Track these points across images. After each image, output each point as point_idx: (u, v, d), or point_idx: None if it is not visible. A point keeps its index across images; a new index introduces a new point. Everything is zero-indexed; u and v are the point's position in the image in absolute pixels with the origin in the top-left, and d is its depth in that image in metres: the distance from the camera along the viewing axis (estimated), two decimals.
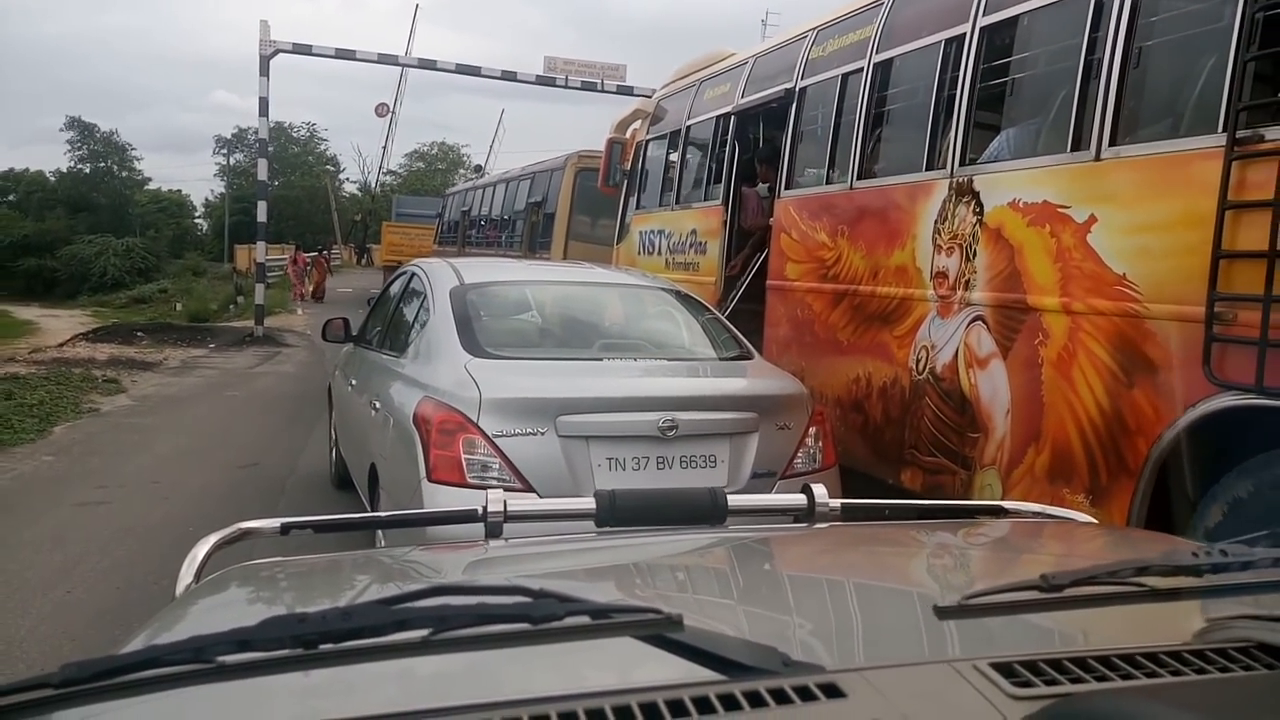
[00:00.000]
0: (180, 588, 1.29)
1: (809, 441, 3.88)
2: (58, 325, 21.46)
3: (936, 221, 4.53)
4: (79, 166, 51.37)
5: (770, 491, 3.60)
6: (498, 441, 3.40)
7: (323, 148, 61.49)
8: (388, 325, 4.97)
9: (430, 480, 3.41)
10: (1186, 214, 3.20)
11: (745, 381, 4.08)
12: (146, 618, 1.14)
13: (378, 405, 4.21)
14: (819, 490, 1.55)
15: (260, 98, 15.01)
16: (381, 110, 44.78)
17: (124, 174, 53.46)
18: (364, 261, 40.88)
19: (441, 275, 4.43)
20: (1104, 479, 3.54)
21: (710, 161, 7.40)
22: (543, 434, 3.44)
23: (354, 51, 15.53)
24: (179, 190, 59.00)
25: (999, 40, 4.35)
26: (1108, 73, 3.61)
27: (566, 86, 16.55)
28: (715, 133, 7.28)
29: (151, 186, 55.66)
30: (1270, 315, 2.87)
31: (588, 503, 1.46)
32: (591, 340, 4.26)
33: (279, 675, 0.75)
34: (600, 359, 3.99)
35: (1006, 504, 1.70)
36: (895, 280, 4.84)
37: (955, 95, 4.50)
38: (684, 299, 4.82)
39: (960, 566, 1.48)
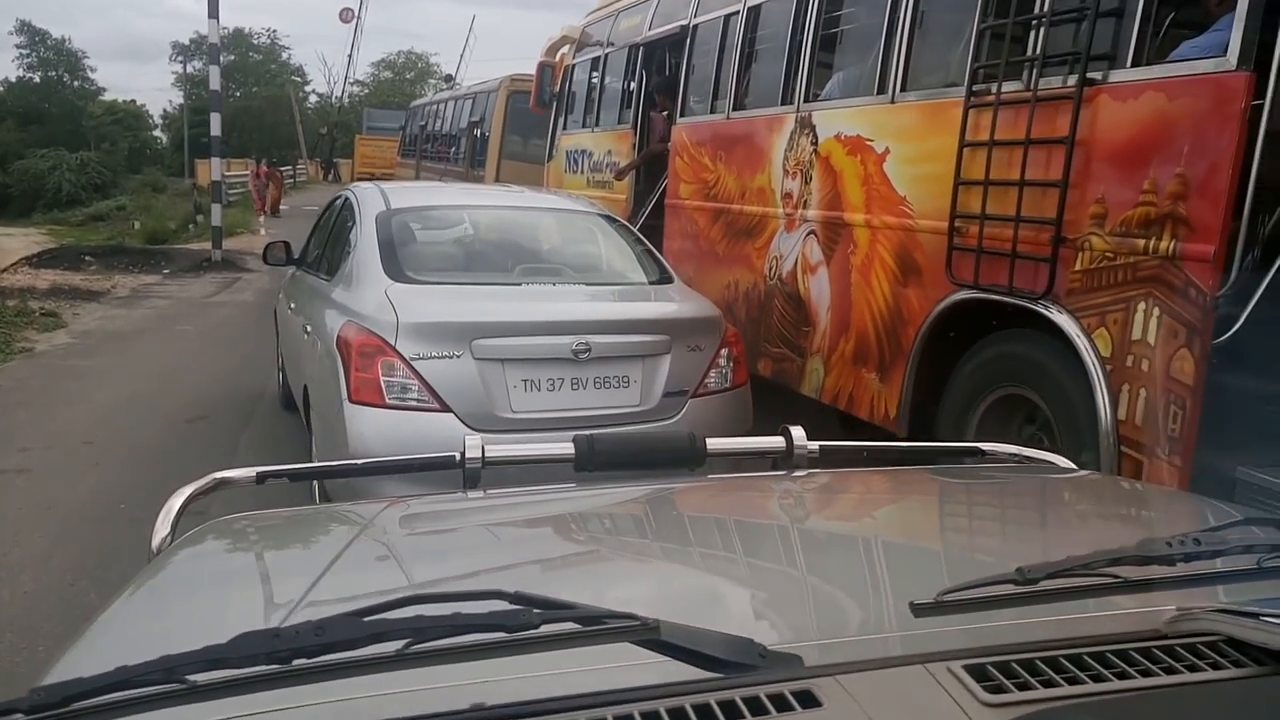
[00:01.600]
0: (155, 541, 1.28)
1: (721, 362, 4.07)
2: (10, 245, 19.52)
3: (785, 150, 5.37)
4: (29, 75, 50.15)
5: (681, 410, 3.90)
6: (415, 364, 3.54)
7: (286, 56, 60.06)
8: (323, 249, 5.12)
9: (351, 401, 3.55)
10: (943, 150, 4.06)
11: (658, 305, 4.26)
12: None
13: (309, 329, 4.40)
14: (797, 433, 1.56)
15: None
16: (346, 15, 43.47)
17: (77, 83, 52.21)
18: (330, 177, 40.44)
19: (370, 200, 4.57)
20: (888, 358, 4.48)
21: (624, 88, 8.13)
22: (459, 357, 3.58)
23: None
24: (135, 101, 57.60)
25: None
26: (902, 30, 4.44)
27: None
28: (627, 61, 8.00)
29: (107, 97, 54.23)
30: (985, 229, 3.78)
31: (566, 447, 1.47)
32: (513, 265, 4.41)
33: (253, 694, 0.75)
34: (520, 284, 4.17)
35: (984, 446, 1.73)
36: (756, 200, 5.69)
37: (803, 40, 5.30)
38: (610, 223, 5.00)
39: (939, 535, 1.45)
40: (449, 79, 28.46)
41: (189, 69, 53.96)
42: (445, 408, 3.56)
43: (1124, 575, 0.95)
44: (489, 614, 0.79)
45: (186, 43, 55.07)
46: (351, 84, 53.74)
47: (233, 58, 54.12)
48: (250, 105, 51.52)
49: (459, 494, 1.47)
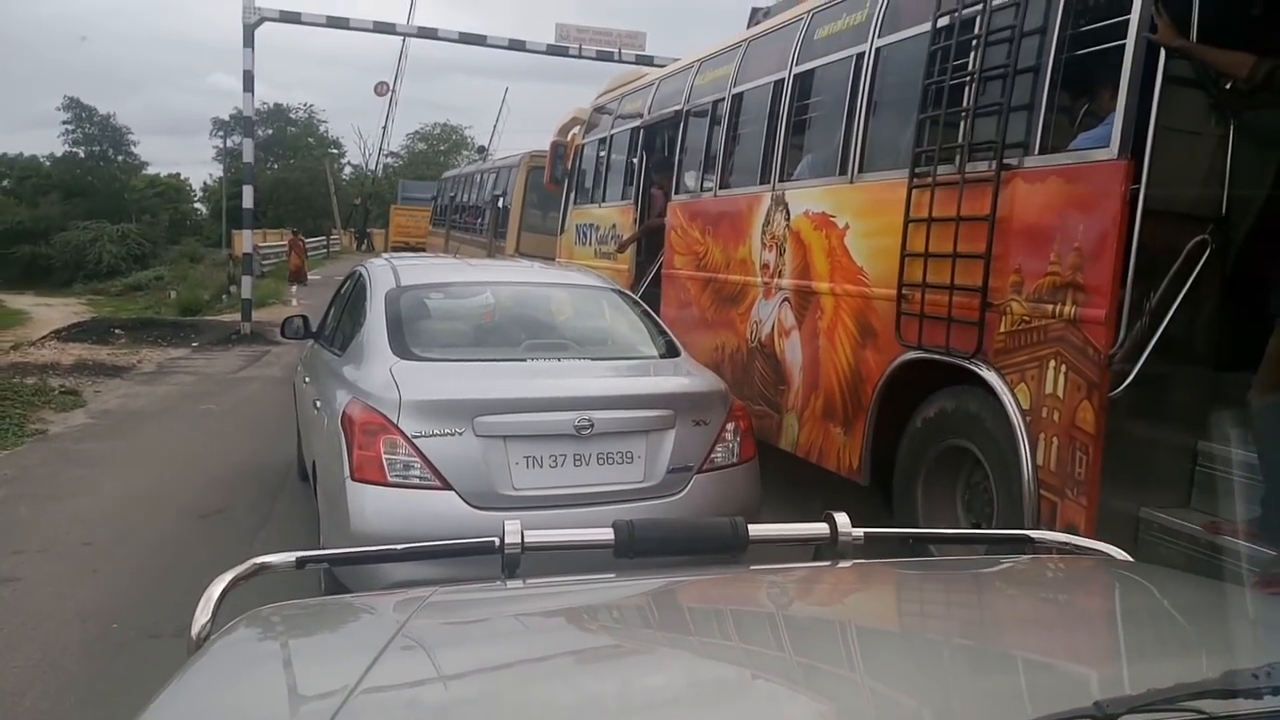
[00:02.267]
0: (195, 629, 1.28)
1: (727, 436, 4.03)
2: (50, 315, 19.85)
3: (763, 225, 5.86)
4: (74, 150, 52.08)
5: (686, 486, 3.88)
6: (417, 442, 3.53)
7: (323, 129, 61.60)
8: (336, 323, 5.15)
9: (353, 479, 3.54)
10: (892, 225, 4.51)
11: (662, 380, 4.25)
12: None
13: (318, 404, 4.39)
14: (841, 519, 1.53)
15: (245, 71, 13.89)
16: (381, 89, 44.59)
17: (120, 158, 54.18)
18: (364, 247, 41.20)
19: (381, 277, 4.65)
20: (850, 414, 4.89)
21: (626, 166, 8.72)
22: (461, 434, 3.57)
23: (348, 20, 14.51)
24: (178, 175, 59.58)
25: (804, 85, 5.67)
26: (860, 117, 4.94)
27: (580, 56, 15.04)
28: (630, 142, 8.59)
29: (150, 171, 56.31)
30: (925, 296, 4.21)
31: (606, 533, 1.47)
32: (519, 341, 4.45)
33: None
34: (525, 359, 4.21)
35: (1034, 534, 1.67)
36: (739, 270, 6.17)
37: (777, 125, 5.82)
38: (619, 297, 5.06)
39: (1000, 647, 1.33)
40: (482, 150, 29.09)
41: (228, 143, 55.87)
42: (447, 485, 3.55)
43: (1208, 711, 0.89)
44: None
45: (227, 118, 57.14)
46: (386, 156, 55.20)
47: (270, 132, 56.04)
48: (287, 178, 53.00)
49: (498, 582, 1.46)
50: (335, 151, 59.03)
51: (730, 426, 4.07)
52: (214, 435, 7.88)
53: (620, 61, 14.66)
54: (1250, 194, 3.40)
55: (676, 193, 7.37)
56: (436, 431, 3.58)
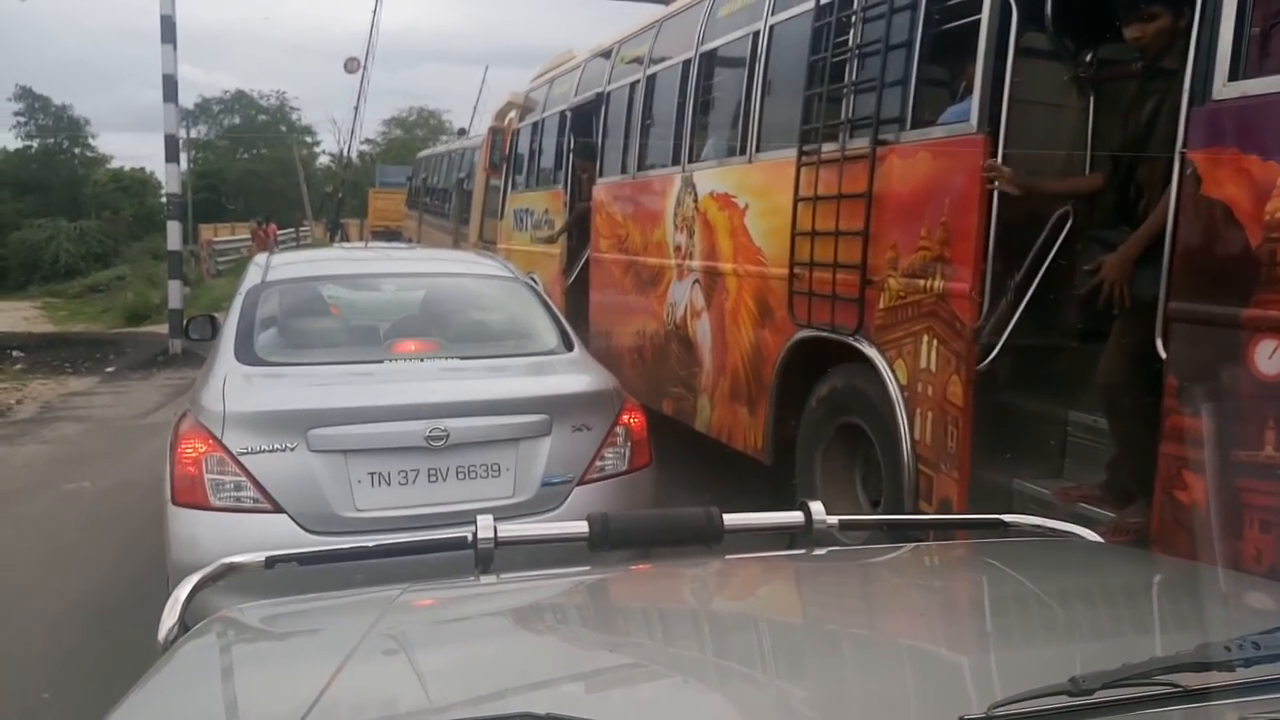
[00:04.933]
0: (162, 632, 1.24)
1: (616, 442, 3.66)
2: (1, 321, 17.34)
3: (675, 207, 5.85)
4: (27, 144, 50.57)
5: (565, 500, 3.53)
6: (244, 459, 3.19)
7: (295, 117, 59.29)
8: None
9: (174, 504, 3.21)
10: (785, 205, 4.51)
11: (538, 380, 3.85)
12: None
13: None
14: (816, 508, 1.53)
15: (162, 16, 11.74)
16: (352, 65, 43.02)
17: (79, 150, 52.94)
18: (337, 238, 40.71)
19: (251, 273, 4.35)
20: (754, 394, 4.90)
21: (556, 150, 8.66)
22: (293, 449, 3.22)
23: None
24: (142, 168, 58.40)
25: (709, 64, 5.64)
26: (756, 95, 4.93)
27: None
28: (559, 126, 8.52)
29: (114, 165, 55.11)
30: (813, 275, 4.22)
31: (581, 526, 1.46)
32: (385, 340, 4.14)
33: None
34: (381, 361, 3.86)
35: (1007, 518, 1.68)
36: (656, 252, 6.16)
37: (686, 106, 5.80)
38: (519, 287, 4.63)
39: (976, 628, 1.37)
40: (462, 131, 28.48)
41: (191, 133, 54.66)
42: (278, 508, 3.20)
43: (1183, 684, 0.90)
44: None
45: (191, 108, 55.70)
46: (362, 143, 54.13)
47: (238, 119, 55.13)
48: (257, 168, 51.99)
49: (471, 579, 1.44)
50: (309, 140, 57.93)
51: (620, 430, 3.68)
52: (65, 548, 4.88)
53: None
54: (1114, 165, 3.42)
55: (601, 175, 7.33)
56: (266, 447, 3.22)
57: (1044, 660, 1.14)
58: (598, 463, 3.62)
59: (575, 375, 3.91)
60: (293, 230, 40.09)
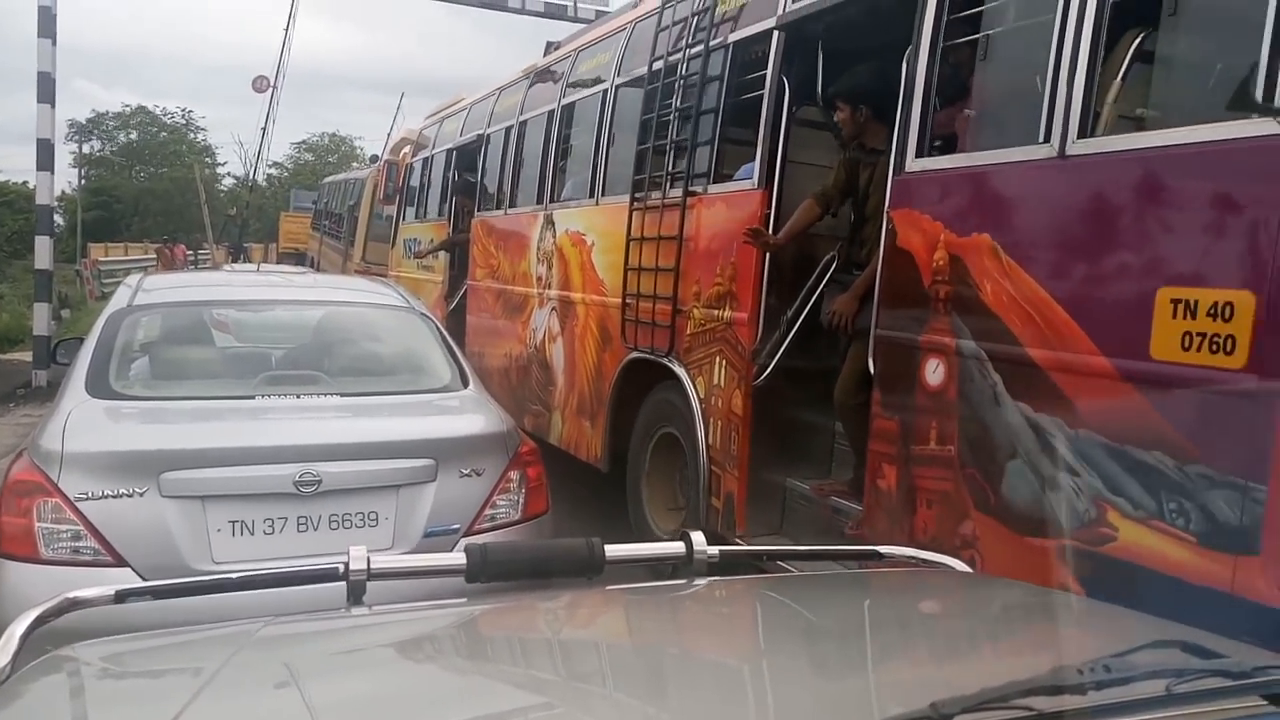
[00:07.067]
0: None
1: (510, 488, 3.39)
2: None
3: (539, 241, 6.46)
4: None
5: (451, 551, 3.08)
6: (82, 506, 2.85)
7: (199, 137, 57.00)
8: None
9: (1, 555, 2.84)
10: (621, 243, 5.16)
11: (424, 421, 3.54)
12: None
13: None
14: (697, 538, 1.54)
15: (40, 6, 10.08)
16: (260, 84, 41.39)
17: None
18: (240, 261, 39.67)
19: (120, 295, 4.00)
20: (595, 409, 5.51)
21: (442, 185, 9.23)
22: (141, 495, 2.89)
23: None
24: (25, 182, 56.01)
25: (569, 115, 6.30)
26: (603, 145, 5.59)
27: (523, 11, 13.68)
28: (446, 162, 9.10)
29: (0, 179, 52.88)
30: (639, 304, 4.86)
31: (458, 558, 1.42)
32: (259, 374, 3.73)
33: None
34: (253, 397, 3.47)
35: (882, 549, 1.71)
36: (522, 282, 6.75)
37: (550, 151, 6.44)
38: (412, 317, 4.29)
39: (845, 655, 1.38)
40: (374, 159, 28.64)
41: (85, 149, 52.66)
42: (121, 561, 2.87)
43: (1037, 708, 0.93)
44: None
45: (84, 120, 53.73)
46: (269, 166, 53.06)
47: (135, 136, 53.76)
48: (155, 187, 50.64)
49: (341, 610, 1.38)
50: (210, 160, 56.58)
51: (515, 475, 3.39)
52: None
53: (576, 20, 12.89)
54: (871, 215, 4.15)
55: (479, 210, 7.92)
56: (109, 492, 2.88)
57: (911, 685, 1.18)
58: (488, 511, 3.34)
59: (466, 416, 3.60)
60: (192, 254, 39.38)
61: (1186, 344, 2.33)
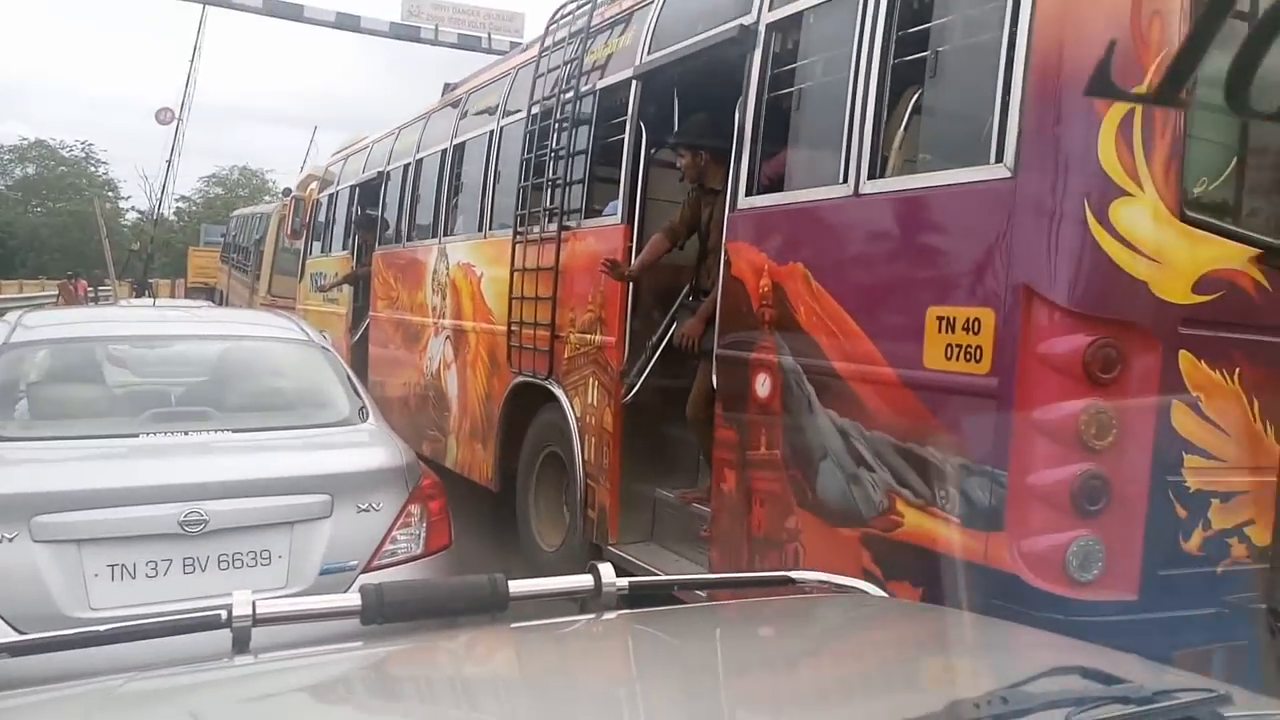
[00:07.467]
0: None
1: (410, 522, 3.33)
2: None
3: (434, 272, 6.75)
4: None
5: (348, 589, 3.03)
6: None
7: (100, 170, 55.30)
8: None
9: None
10: (506, 273, 5.48)
11: (318, 456, 3.50)
12: None
13: None
14: (605, 570, 1.50)
15: None
16: (164, 116, 39.53)
17: None
18: (144, 296, 38.62)
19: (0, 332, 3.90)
20: (486, 432, 5.80)
21: (346, 221, 9.45)
22: (12, 539, 2.81)
23: None
24: None
25: (460, 154, 6.63)
26: (491, 184, 5.93)
27: (436, 42, 12.95)
28: (350, 198, 9.34)
29: None
30: (522, 331, 5.19)
31: (353, 599, 1.36)
32: (146, 411, 3.66)
33: None
34: (137, 436, 3.38)
35: (794, 574, 1.69)
36: (419, 312, 7.02)
37: (444, 187, 6.75)
38: (311, 351, 4.24)
39: (753, 685, 1.37)
40: (287, 191, 28.39)
41: None
42: None
43: None
44: None
45: None
46: (177, 200, 51.78)
47: (31, 170, 52.15)
48: (52, 222, 49.21)
49: (224, 660, 1.31)
50: (112, 195, 55.13)
51: (415, 509, 3.34)
52: None
53: (489, 51, 12.44)
54: (713, 248, 4.55)
55: (379, 244, 8.17)
56: None
57: (818, 713, 1.19)
58: (388, 546, 3.27)
59: (363, 450, 3.55)
60: (92, 290, 38.36)
61: (949, 354, 2.75)
